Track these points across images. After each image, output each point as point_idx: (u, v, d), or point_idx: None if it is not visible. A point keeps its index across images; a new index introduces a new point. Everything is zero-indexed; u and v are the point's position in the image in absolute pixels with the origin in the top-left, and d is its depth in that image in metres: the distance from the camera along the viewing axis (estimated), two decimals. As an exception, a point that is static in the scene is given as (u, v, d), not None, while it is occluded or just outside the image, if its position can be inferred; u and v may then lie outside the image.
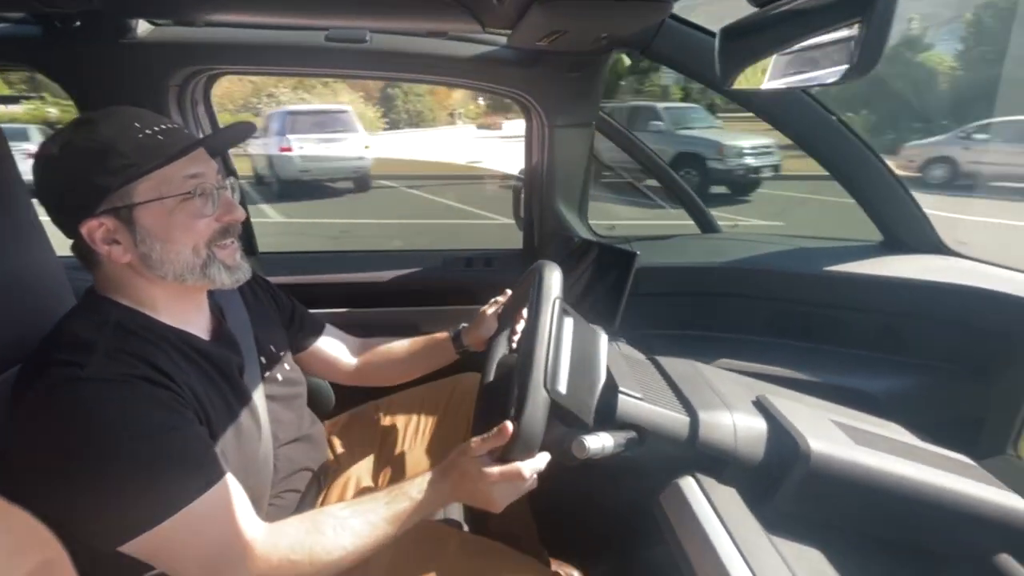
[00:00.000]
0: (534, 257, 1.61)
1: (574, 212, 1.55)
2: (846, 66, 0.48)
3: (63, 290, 0.86)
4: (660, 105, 9.69)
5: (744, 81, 0.65)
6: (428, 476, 0.73)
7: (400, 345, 1.15)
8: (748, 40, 0.69)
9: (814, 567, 0.67)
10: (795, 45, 0.53)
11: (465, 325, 1.10)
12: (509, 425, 0.70)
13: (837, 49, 0.48)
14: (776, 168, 8.09)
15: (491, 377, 0.91)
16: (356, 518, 0.69)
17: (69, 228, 0.70)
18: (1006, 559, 0.72)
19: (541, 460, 0.72)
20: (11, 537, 0.46)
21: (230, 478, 0.67)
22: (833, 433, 0.77)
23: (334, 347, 1.12)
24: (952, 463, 0.81)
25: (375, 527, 0.69)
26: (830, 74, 0.49)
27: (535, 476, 0.72)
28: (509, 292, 1.02)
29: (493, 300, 1.05)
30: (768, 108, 1.28)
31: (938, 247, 1.28)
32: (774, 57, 0.58)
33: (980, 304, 1.10)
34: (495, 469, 0.69)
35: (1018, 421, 1.04)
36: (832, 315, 1.28)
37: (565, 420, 0.74)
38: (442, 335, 1.11)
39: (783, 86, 0.53)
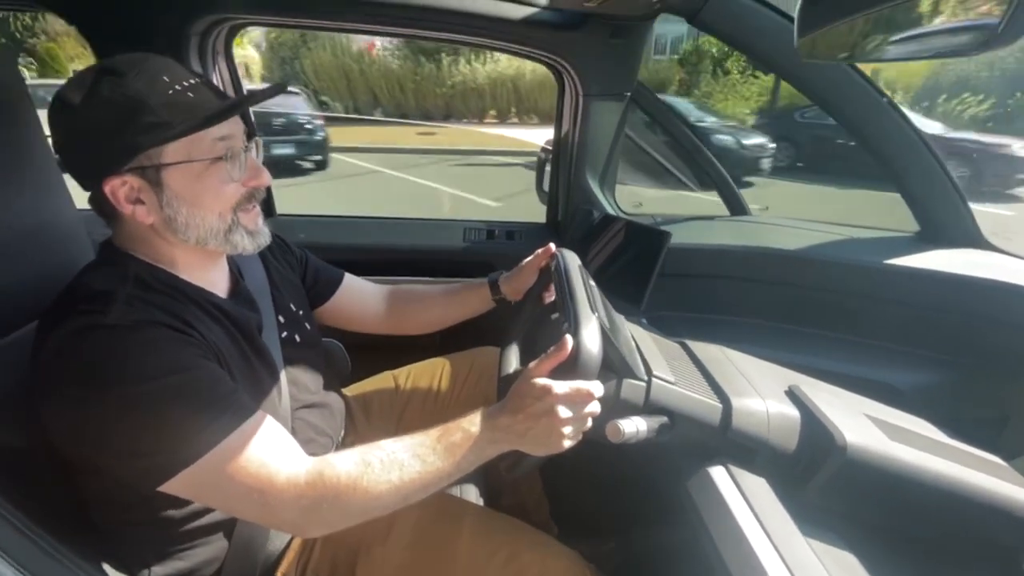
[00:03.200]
0: (557, 231, 1.58)
1: (602, 187, 1.51)
2: (996, 26, 0.38)
3: (83, 244, 0.85)
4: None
5: (816, 49, 0.57)
6: (484, 410, 0.69)
7: (434, 289, 1.12)
8: None
9: (844, 561, 0.66)
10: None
11: (505, 273, 1.07)
12: (569, 339, 0.67)
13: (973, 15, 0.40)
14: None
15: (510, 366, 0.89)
16: (406, 452, 0.66)
17: (90, 183, 0.68)
18: None
19: (600, 389, 0.67)
20: None
21: (263, 414, 0.66)
22: (867, 427, 0.76)
23: (357, 296, 1.10)
24: (984, 463, 0.80)
25: (425, 462, 0.65)
26: (965, 41, 0.40)
27: (595, 412, 0.66)
28: (552, 247, 0.98)
29: (536, 253, 1.01)
30: (816, 86, 1.22)
31: (976, 241, 1.25)
32: (860, 25, 0.50)
33: (1013, 301, 1.07)
34: (561, 384, 0.64)
35: None
36: (861, 305, 1.25)
37: (612, 365, 0.71)
38: (479, 281, 1.09)
39: (894, 57, 0.45)
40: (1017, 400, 1.09)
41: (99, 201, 0.69)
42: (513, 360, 0.86)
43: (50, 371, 0.61)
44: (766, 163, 8.06)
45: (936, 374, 1.16)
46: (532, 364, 0.68)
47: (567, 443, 0.66)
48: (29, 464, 0.66)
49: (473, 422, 0.68)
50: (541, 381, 0.65)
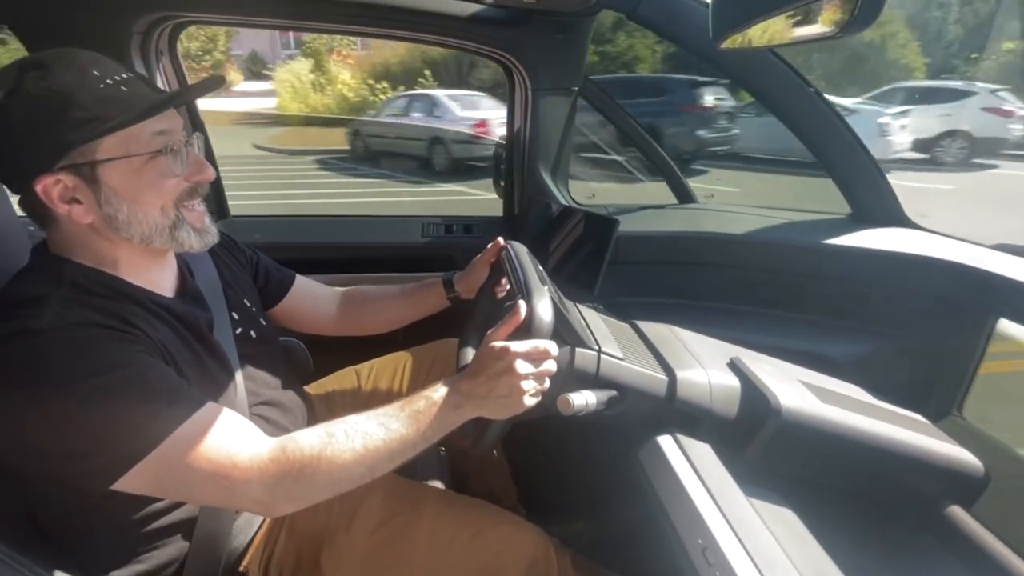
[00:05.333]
0: (514, 223, 1.61)
1: (555, 179, 1.55)
2: (847, 18, 0.47)
3: (22, 248, 0.82)
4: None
5: (734, 41, 0.64)
6: (448, 379, 0.71)
7: (388, 289, 1.13)
8: None
9: (782, 517, 0.71)
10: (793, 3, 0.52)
11: (458, 272, 1.09)
12: (522, 304, 0.70)
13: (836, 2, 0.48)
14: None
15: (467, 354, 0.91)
16: (369, 421, 0.66)
17: (20, 184, 0.65)
18: (955, 510, 0.79)
19: (555, 348, 0.69)
20: None
21: (217, 405, 0.65)
22: (801, 391, 0.82)
23: (309, 297, 1.09)
24: (908, 420, 0.87)
25: (390, 429, 0.66)
26: (829, 28, 0.49)
27: (551, 370, 0.69)
28: (501, 241, 1.00)
29: (486, 249, 1.03)
30: (746, 76, 1.29)
31: (902, 220, 1.34)
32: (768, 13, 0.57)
33: (937, 274, 1.16)
34: (519, 343, 0.66)
35: (963, 385, 1.11)
36: (800, 283, 1.33)
37: (564, 335, 0.75)
38: (433, 280, 1.10)
39: (781, 42, 0.52)
40: (941, 365, 1.18)
41: (31, 204, 0.66)
42: (470, 355, 0.89)
43: None
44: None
45: (868, 344, 1.24)
46: (489, 332, 0.70)
47: (528, 400, 0.67)
48: None
49: (436, 390, 0.69)
50: (499, 343, 0.67)
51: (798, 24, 0.51)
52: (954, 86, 8.87)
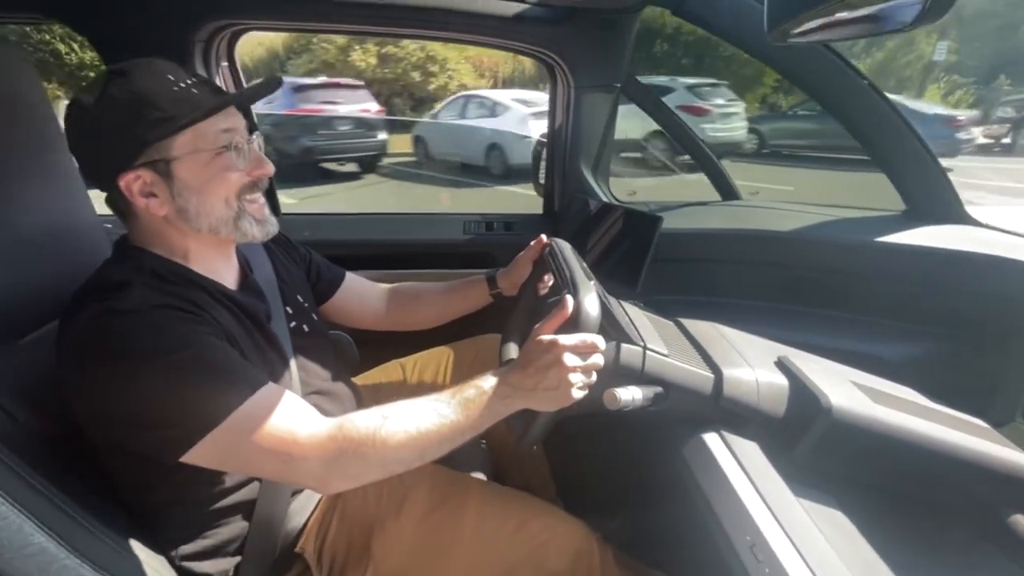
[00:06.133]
0: (554, 221, 1.61)
1: (596, 176, 1.54)
2: (918, 9, 0.44)
3: (103, 245, 0.88)
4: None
5: (788, 33, 0.61)
6: (497, 370, 0.73)
7: (433, 286, 1.16)
8: None
9: (832, 518, 0.70)
10: None
11: (501, 269, 1.11)
12: (569, 299, 0.71)
13: None
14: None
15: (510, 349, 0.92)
16: (421, 406, 0.69)
17: (105, 181, 0.71)
18: (1019, 519, 0.75)
19: (602, 342, 0.70)
20: None
21: (278, 385, 0.69)
22: (852, 391, 0.80)
23: (359, 294, 1.14)
24: (967, 425, 0.83)
25: (441, 415, 0.68)
26: (897, 20, 0.45)
27: (599, 364, 0.69)
28: (544, 238, 1.01)
29: (529, 246, 1.05)
30: (796, 70, 1.26)
31: (961, 217, 1.28)
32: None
33: (998, 273, 1.11)
34: (567, 336, 0.68)
35: None
36: (851, 282, 1.29)
37: (610, 331, 0.75)
38: (477, 277, 1.13)
39: (842, 36, 0.50)
40: (1003, 370, 1.12)
41: (115, 199, 0.73)
42: (512, 351, 0.90)
43: (73, 357, 0.65)
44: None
45: (924, 346, 1.19)
46: (536, 326, 0.72)
47: (576, 393, 0.68)
48: (63, 451, 0.70)
49: (486, 379, 0.71)
50: (547, 336, 0.69)
51: (859, 16, 0.48)
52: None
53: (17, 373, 0.72)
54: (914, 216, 1.32)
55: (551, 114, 1.54)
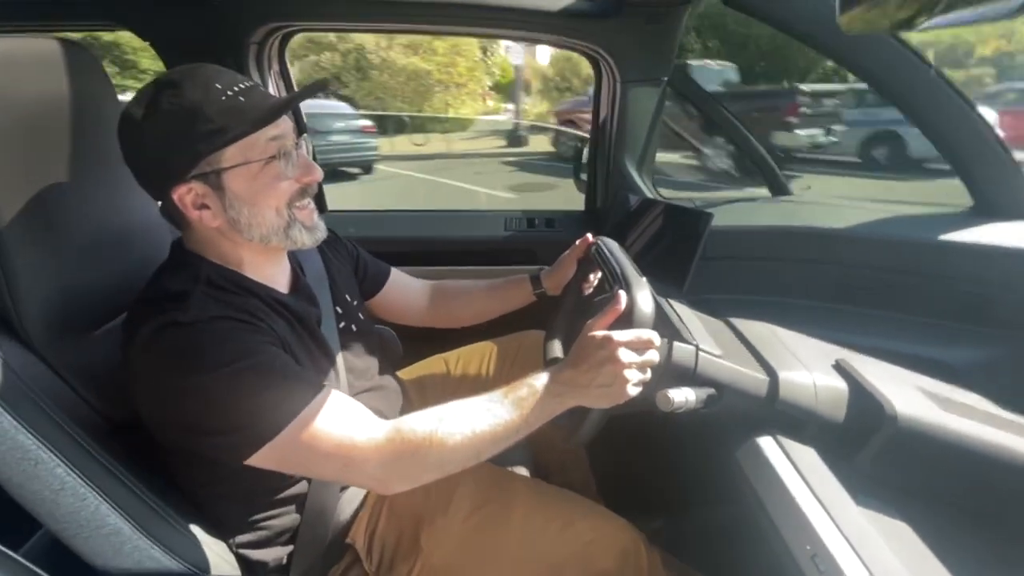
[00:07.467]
0: (597, 217, 1.60)
1: (640, 172, 1.52)
2: None
3: (165, 241, 0.92)
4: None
5: (860, 20, 0.57)
6: (549, 368, 0.73)
7: (477, 284, 1.17)
8: None
9: (897, 531, 0.67)
10: None
11: (545, 268, 1.11)
12: (622, 294, 0.70)
13: None
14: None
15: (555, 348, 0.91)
16: (476, 406, 0.69)
17: (159, 193, 0.72)
18: None
19: (657, 338, 0.69)
20: None
21: (333, 389, 0.70)
22: (918, 397, 0.76)
23: (404, 290, 1.15)
24: None
25: (495, 415, 0.68)
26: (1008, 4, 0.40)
27: (654, 360, 0.68)
28: (590, 237, 1.00)
29: (574, 245, 1.04)
30: (858, 60, 1.20)
31: None
32: None
33: None
34: (621, 332, 0.67)
35: None
36: (912, 283, 1.23)
37: (662, 329, 0.74)
38: (521, 276, 1.13)
39: (927, 24, 0.45)
40: None
41: (169, 210, 0.73)
42: (556, 349, 0.90)
43: (139, 367, 0.67)
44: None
45: (993, 351, 1.13)
46: (588, 322, 0.71)
47: (631, 389, 0.67)
48: (132, 439, 0.74)
49: (538, 378, 0.71)
50: (600, 332, 0.68)
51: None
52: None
53: (92, 363, 0.77)
54: (983, 212, 1.25)
55: (595, 109, 1.52)
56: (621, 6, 1.27)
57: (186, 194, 0.70)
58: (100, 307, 0.81)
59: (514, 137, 10.91)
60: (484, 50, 14.72)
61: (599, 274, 1.00)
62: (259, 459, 0.65)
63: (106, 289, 0.81)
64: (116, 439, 0.73)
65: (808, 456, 0.72)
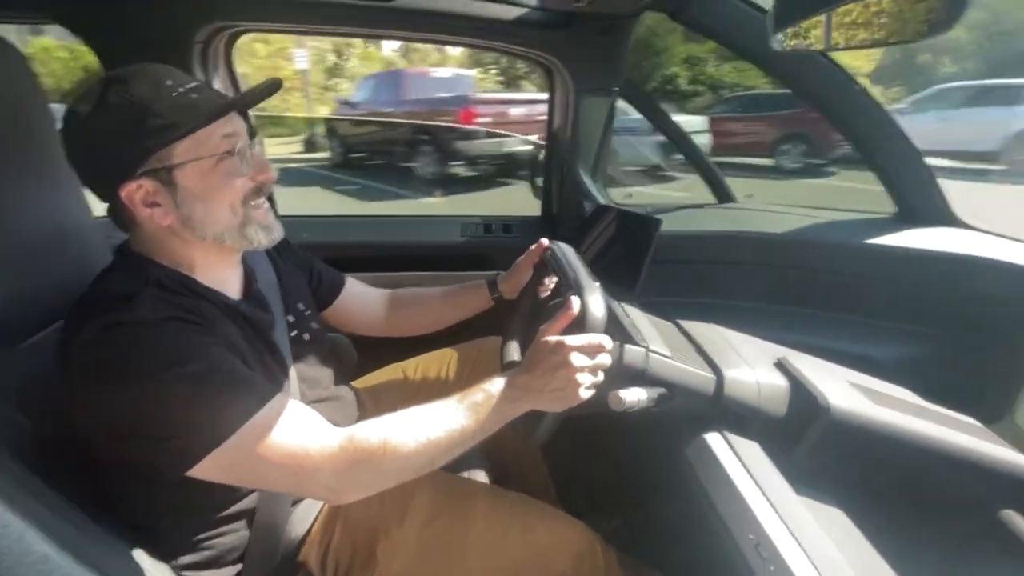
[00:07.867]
0: (553, 223, 1.62)
1: (594, 179, 1.56)
2: (932, 17, 0.44)
3: (100, 248, 0.87)
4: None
5: (792, 41, 0.61)
6: (504, 373, 0.73)
7: (433, 291, 1.16)
8: None
9: (833, 517, 0.71)
10: None
11: (502, 273, 1.12)
12: (575, 299, 0.71)
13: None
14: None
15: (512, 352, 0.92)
16: (430, 413, 0.69)
17: (106, 191, 0.70)
18: (1010, 514, 0.77)
19: (609, 342, 0.70)
20: None
21: (286, 396, 0.68)
22: (850, 391, 0.81)
23: (359, 299, 1.13)
24: (960, 424, 0.85)
25: (450, 420, 0.68)
26: (911, 30, 0.45)
27: (606, 363, 0.70)
28: (545, 242, 1.02)
29: (529, 250, 1.05)
30: (790, 72, 1.28)
31: (951, 220, 1.30)
32: (832, 16, 0.55)
33: (988, 275, 1.12)
34: (574, 337, 0.68)
35: (1017, 389, 1.08)
36: (844, 284, 1.31)
37: (613, 333, 0.76)
38: (478, 282, 1.13)
39: (848, 45, 0.49)
40: (994, 369, 1.15)
41: (117, 209, 0.71)
42: (514, 352, 0.91)
43: (79, 370, 0.63)
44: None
45: (916, 347, 1.21)
46: (542, 327, 0.72)
47: (584, 393, 0.68)
48: (63, 458, 0.69)
49: (494, 383, 0.71)
50: (554, 338, 0.69)
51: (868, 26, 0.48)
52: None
53: (18, 378, 0.71)
54: (905, 218, 1.34)
55: (549, 117, 1.55)
56: (573, 17, 1.30)
57: (135, 191, 0.68)
58: (26, 318, 0.76)
59: (309, 143, 11.02)
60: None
61: (555, 278, 1.01)
62: (205, 469, 0.62)
63: (32, 299, 0.76)
64: (47, 460, 0.69)
65: (752, 450, 0.76)
